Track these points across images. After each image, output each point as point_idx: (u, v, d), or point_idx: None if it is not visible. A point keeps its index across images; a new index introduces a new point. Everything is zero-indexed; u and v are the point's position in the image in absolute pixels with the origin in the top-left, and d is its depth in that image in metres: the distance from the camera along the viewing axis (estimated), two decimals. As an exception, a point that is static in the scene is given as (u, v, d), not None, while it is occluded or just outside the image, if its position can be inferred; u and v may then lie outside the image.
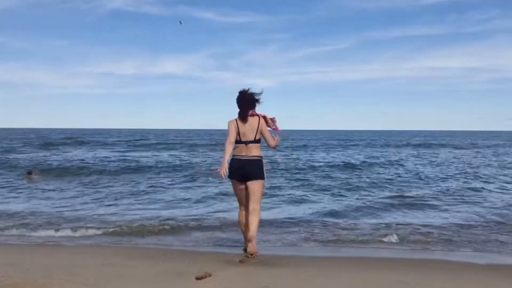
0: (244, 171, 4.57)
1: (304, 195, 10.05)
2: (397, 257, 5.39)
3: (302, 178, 13.43)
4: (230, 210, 8.08)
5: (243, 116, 4.60)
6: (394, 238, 6.18)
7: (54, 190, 10.85)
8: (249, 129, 4.57)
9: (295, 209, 8.44)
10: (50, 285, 3.80)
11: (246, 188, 4.68)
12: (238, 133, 4.54)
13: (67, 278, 4.03)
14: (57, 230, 6.65)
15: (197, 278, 4.06)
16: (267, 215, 7.46)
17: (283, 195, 10.07)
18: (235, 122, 4.59)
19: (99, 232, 6.57)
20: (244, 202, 4.81)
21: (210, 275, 4.13)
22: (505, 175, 14.86)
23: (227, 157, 4.52)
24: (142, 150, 27.68)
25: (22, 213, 7.89)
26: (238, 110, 4.65)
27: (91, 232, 6.56)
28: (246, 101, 4.64)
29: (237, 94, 4.66)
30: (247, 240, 4.78)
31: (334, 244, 6.01)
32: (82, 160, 19.31)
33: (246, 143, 4.55)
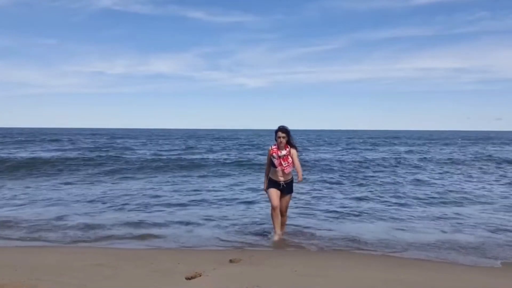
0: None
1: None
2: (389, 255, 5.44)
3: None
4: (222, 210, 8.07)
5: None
6: None
7: None
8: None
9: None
10: (38, 286, 3.77)
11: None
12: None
13: (55, 279, 4.00)
14: None
15: (188, 278, 4.06)
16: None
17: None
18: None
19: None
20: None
21: (200, 275, 4.13)
22: None
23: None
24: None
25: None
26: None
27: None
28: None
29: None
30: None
31: (323, 242, 6.04)
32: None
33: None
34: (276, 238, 5.98)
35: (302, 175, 5.92)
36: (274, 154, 5.86)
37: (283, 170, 5.84)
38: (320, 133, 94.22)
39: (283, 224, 6.20)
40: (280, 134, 5.84)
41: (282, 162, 5.80)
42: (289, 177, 5.95)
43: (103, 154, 22.29)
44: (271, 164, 5.93)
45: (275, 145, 5.94)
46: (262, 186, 6.26)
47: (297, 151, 6.00)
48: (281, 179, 5.89)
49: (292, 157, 5.84)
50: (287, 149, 5.86)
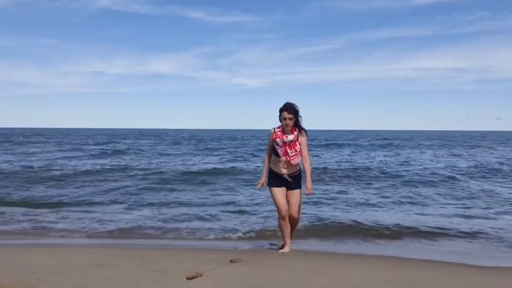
0: None
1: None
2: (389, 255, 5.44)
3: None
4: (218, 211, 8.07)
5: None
6: None
7: None
8: None
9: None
10: (38, 286, 3.76)
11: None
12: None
13: (55, 279, 3.99)
14: None
15: (188, 278, 4.05)
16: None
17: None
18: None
19: None
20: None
21: (201, 275, 4.12)
22: None
23: None
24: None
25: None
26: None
27: None
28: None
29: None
30: None
31: (323, 241, 6.05)
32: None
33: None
34: (286, 250, 5.06)
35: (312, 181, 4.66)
36: (278, 139, 4.61)
37: (288, 161, 4.63)
38: (323, 133, 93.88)
39: (292, 228, 5.03)
40: (286, 114, 4.54)
41: (288, 150, 4.56)
42: (296, 170, 4.71)
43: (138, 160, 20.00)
44: (273, 152, 4.72)
45: (279, 127, 4.69)
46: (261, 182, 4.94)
47: (306, 135, 4.71)
48: (285, 171, 4.68)
49: (300, 144, 4.61)
50: (295, 133, 4.61)
